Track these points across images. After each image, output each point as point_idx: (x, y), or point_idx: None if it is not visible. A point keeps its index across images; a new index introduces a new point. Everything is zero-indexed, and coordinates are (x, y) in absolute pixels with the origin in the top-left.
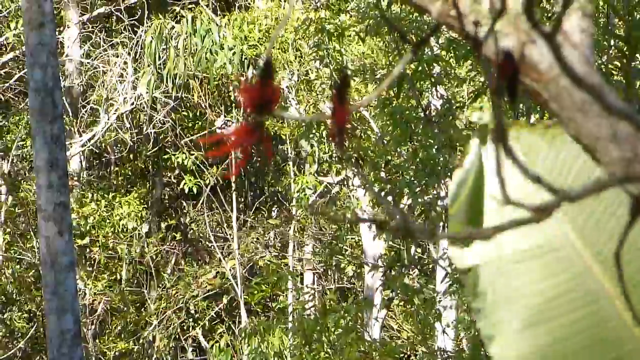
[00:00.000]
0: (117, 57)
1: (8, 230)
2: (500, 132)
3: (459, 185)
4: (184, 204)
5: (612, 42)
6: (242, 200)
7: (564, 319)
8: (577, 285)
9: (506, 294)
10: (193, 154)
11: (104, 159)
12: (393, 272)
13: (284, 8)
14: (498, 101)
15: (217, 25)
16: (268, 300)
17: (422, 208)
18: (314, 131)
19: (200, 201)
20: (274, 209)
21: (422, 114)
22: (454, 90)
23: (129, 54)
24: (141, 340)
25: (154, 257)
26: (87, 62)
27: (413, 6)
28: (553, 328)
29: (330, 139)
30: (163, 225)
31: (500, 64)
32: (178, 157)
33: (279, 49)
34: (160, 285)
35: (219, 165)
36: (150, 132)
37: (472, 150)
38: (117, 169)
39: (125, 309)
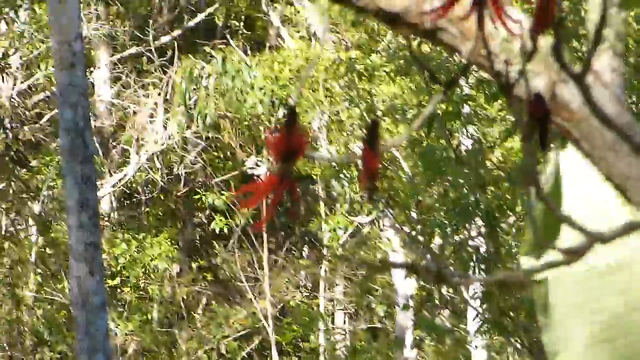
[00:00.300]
0: (148, 97)
1: (39, 270)
2: (533, 175)
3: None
4: (215, 244)
5: None
6: (273, 240)
7: (629, 339)
8: None
9: (574, 309)
10: (223, 194)
11: (134, 199)
12: (424, 312)
13: (314, 48)
14: (529, 144)
15: (247, 65)
16: (299, 340)
17: (453, 248)
18: (344, 171)
19: (231, 241)
20: (305, 248)
21: (452, 154)
22: (485, 130)
23: (159, 94)
24: None
25: (185, 297)
26: (118, 103)
27: (443, 46)
28: (618, 347)
29: (360, 184)
30: (194, 265)
31: (531, 107)
32: (209, 197)
33: (309, 88)
34: (191, 325)
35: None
36: (181, 173)
37: (551, 159)
38: (147, 209)
39: (156, 349)
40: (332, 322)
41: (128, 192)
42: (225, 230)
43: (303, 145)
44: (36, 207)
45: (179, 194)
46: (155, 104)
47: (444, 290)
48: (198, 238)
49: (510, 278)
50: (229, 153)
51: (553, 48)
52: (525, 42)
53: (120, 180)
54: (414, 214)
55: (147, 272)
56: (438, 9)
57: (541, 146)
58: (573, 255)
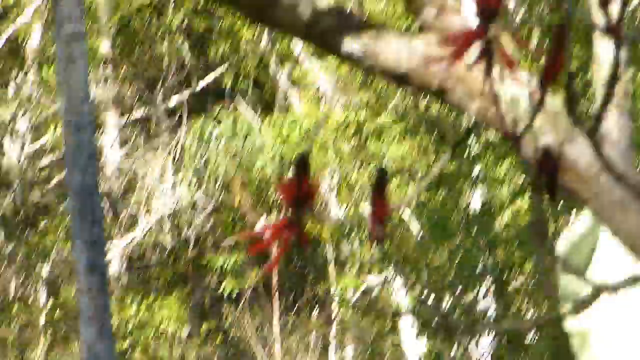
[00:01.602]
0: (157, 158)
1: (49, 334)
2: (541, 229)
3: (571, 247)
4: (225, 306)
5: None
6: (284, 301)
7: None
8: None
9: None
10: (234, 256)
11: (144, 262)
12: None
13: (323, 109)
14: (538, 198)
15: (257, 126)
16: None
17: (463, 309)
18: (354, 232)
19: (241, 303)
20: (315, 309)
21: (461, 216)
22: (494, 191)
23: (169, 153)
24: None
25: None
26: (126, 165)
27: (451, 105)
28: None
29: (370, 232)
30: (204, 327)
31: (540, 161)
32: (218, 260)
33: (319, 149)
34: None
35: (260, 266)
36: (190, 235)
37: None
38: (157, 271)
39: None
40: None
41: (137, 254)
42: (235, 292)
43: (314, 191)
44: (45, 270)
45: (188, 257)
46: (164, 166)
47: (453, 351)
48: (208, 300)
49: (517, 325)
50: (238, 215)
51: (566, 100)
52: (534, 99)
53: (129, 242)
54: (424, 274)
55: (157, 334)
56: (448, 59)
57: (550, 197)
58: (580, 307)
